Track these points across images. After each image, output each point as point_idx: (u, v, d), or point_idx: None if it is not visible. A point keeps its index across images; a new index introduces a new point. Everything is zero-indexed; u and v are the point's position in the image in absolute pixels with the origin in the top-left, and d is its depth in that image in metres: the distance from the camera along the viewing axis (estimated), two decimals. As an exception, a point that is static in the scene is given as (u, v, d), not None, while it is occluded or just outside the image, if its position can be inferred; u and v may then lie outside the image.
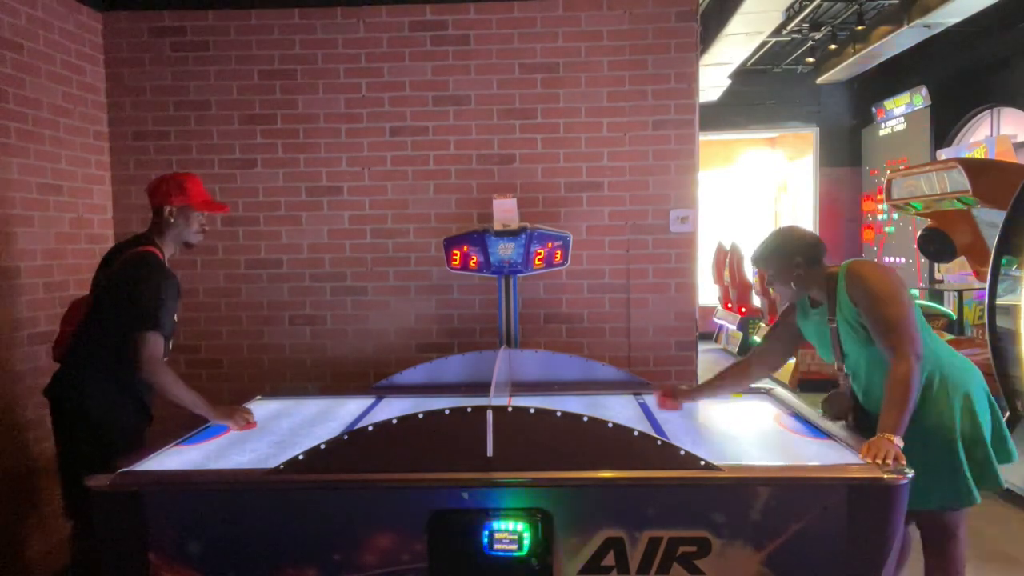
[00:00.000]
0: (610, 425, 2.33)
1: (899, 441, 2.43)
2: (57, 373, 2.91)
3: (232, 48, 4.50)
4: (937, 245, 6.00)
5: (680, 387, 3.20)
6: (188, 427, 2.95)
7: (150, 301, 2.76)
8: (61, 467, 2.90)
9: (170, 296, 2.84)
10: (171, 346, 3.01)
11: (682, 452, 2.31)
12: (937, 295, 8.82)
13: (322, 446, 2.34)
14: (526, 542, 2.27)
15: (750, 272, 9.99)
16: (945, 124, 9.13)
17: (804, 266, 2.74)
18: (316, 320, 4.57)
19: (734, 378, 3.15)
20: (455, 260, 4.02)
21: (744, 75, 10.24)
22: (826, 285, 2.74)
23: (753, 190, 12.82)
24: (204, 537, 2.33)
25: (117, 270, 2.88)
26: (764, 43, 9.23)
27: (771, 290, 2.87)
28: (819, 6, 8.43)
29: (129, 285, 2.79)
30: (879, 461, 2.34)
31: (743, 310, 10.17)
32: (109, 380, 2.82)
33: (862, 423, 2.79)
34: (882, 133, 10.24)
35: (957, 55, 8.73)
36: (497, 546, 2.28)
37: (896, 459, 2.35)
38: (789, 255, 2.75)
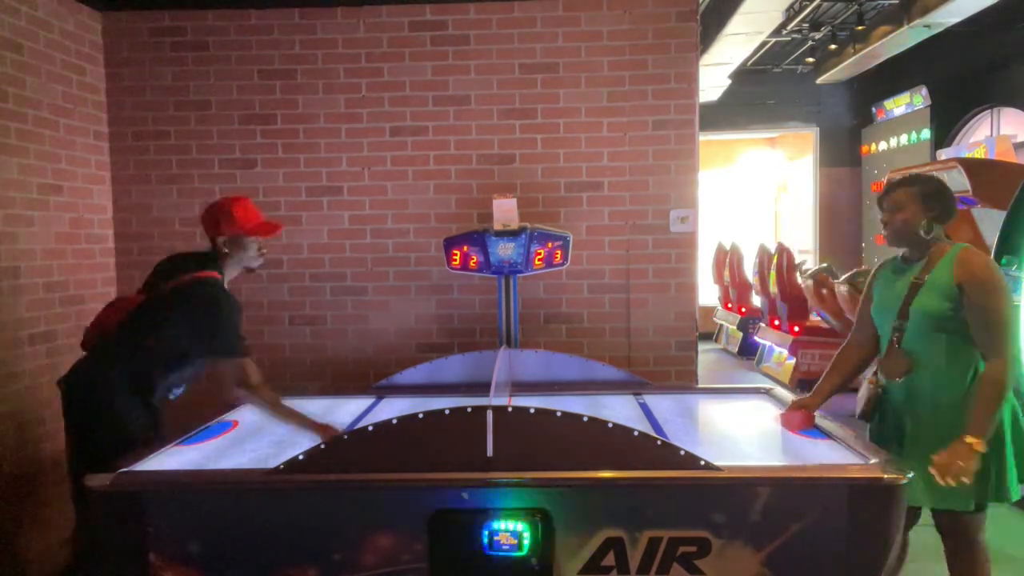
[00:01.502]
0: (610, 425, 2.33)
1: (982, 446, 2.43)
2: (77, 364, 2.88)
3: (232, 48, 4.50)
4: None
5: (803, 400, 2.94)
6: (188, 427, 2.95)
7: (236, 328, 2.81)
8: (72, 459, 2.87)
9: (241, 323, 2.88)
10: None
11: (682, 452, 2.31)
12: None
13: (322, 446, 2.35)
14: (526, 542, 2.27)
15: (750, 272, 9.99)
16: (945, 124, 9.13)
17: (935, 217, 2.68)
18: (316, 320, 4.57)
19: (842, 372, 2.95)
20: (455, 260, 4.02)
21: (744, 75, 10.24)
22: (930, 250, 2.68)
23: (753, 190, 12.82)
24: (204, 537, 2.33)
25: (180, 291, 2.85)
26: (764, 43, 9.23)
27: (885, 223, 2.75)
28: (819, 6, 8.43)
29: (204, 313, 2.79)
30: (949, 480, 2.39)
31: (743, 310, 10.17)
32: (123, 378, 2.80)
33: (876, 414, 2.79)
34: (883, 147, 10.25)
35: (957, 55, 8.73)
36: (497, 546, 2.28)
37: (961, 476, 2.39)
38: (937, 199, 2.69)
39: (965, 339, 2.61)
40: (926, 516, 2.90)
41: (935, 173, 5.44)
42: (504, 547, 2.27)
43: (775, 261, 8.63)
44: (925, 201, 2.69)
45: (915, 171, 2.88)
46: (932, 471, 2.47)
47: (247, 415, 3.25)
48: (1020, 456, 2.64)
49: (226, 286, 2.96)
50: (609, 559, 2.29)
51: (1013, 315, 2.60)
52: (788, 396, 3.33)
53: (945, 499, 2.60)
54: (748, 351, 9.85)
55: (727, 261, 10.61)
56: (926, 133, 9.31)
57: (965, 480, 2.43)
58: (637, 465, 2.30)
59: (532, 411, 2.34)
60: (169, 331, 2.82)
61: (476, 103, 4.48)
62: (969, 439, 2.45)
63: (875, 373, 2.84)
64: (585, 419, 2.34)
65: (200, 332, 2.80)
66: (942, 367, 2.62)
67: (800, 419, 2.84)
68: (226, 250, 2.93)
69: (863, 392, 2.85)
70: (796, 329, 8.21)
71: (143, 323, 2.84)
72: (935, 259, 2.67)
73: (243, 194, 4.49)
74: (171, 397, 2.98)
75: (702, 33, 4.98)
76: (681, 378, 4.46)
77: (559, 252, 4.02)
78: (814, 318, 8.28)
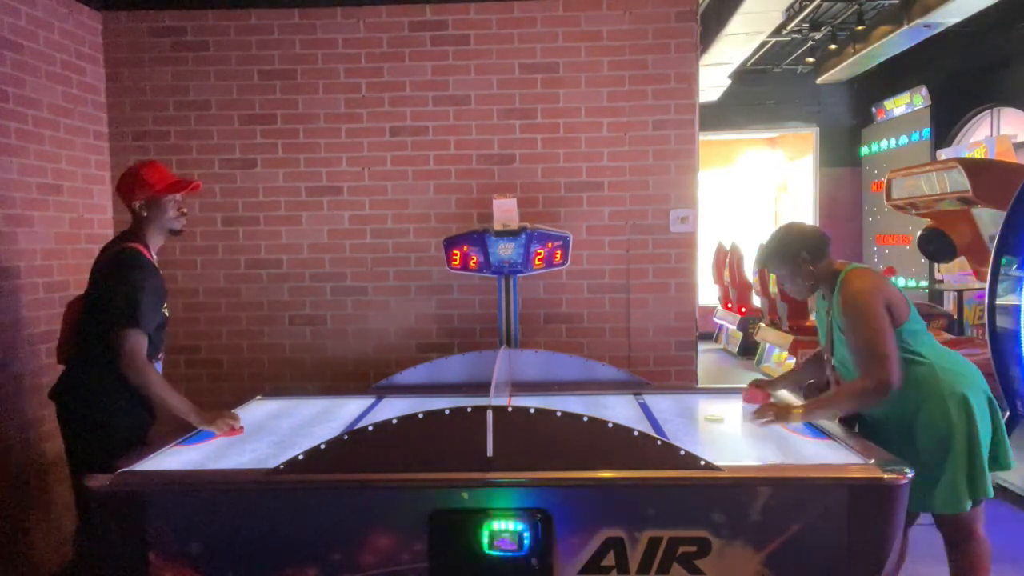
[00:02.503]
0: (610, 425, 2.33)
1: (796, 419, 2.72)
2: (62, 375, 2.91)
3: (232, 48, 4.50)
4: (937, 245, 6.00)
5: (762, 382, 3.23)
6: (188, 427, 2.95)
7: (127, 297, 2.72)
8: (70, 467, 2.89)
9: (149, 291, 2.77)
10: (162, 345, 2.99)
11: (682, 452, 2.31)
12: (937, 295, 8.82)
13: (322, 446, 2.34)
14: (526, 542, 2.27)
15: (750, 272, 9.99)
16: (945, 124, 9.12)
17: (811, 261, 2.76)
18: (316, 320, 4.58)
19: (805, 374, 3.29)
20: (455, 260, 4.02)
21: (744, 75, 10.24)
22: (831, 280, 2.76)
23: (753, 190, 12.82)
24: (204, 537, 2.33)
25: (100, 269, 2.88)
26: (764, 43, 9.23)
27: (784, 288, 2.94)
28: (819, 6, 8.43)
29: (109, 283, 2.77)
30: (755, 416, 2.76)
31: (743, 310, 10.17)
32: (110, 378, 2.79)
33: (850, 422, 2.88)
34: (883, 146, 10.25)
35: (957, 55, 8.73)
36: (497, 546, 2.28)
37: (763, 418, 2.74)
38: (795, 251, 2.76)
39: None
40: (927, 516, 2.90)
41: (926, 176, 5.44)
42: (504, 547, 2.27)
43: (775, 261, 8.61)
44: (789, 261, 2.78)
45: (763, 245, 2.94)
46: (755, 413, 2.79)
47: (247, 415, 3.25)
48: (994, 443, 2.69)
49: (153, 254, 2.92)
50: (609, 559, 2.29)
51: (878, 337, 2.57)
52: (788, 396, 3.32)
53: (938, 504, 2.62)
54: (748, 351, 9.85)
55: (727, 261, 10.61)
56: (926, 133, 9.31)
57: (764, 418, 2.75)
58: (637, 465, 2.30)
59: (532, 411, 2.34)
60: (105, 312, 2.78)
61: (476, 103, 4.48)
62: (795, 410, 2.76)
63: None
64: (585, 419, 2.34)
65: (93, 300, 2.79)
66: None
67: (761, 397, 3.10)
68: (144, 214, 2.89)
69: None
70: (796, 329, 8.21)
71: (92, 315, 2.82)
72: (831, 290, 2.78)
73: (243, 194, 4.53)
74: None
75: (702, 33, 4.98)
76: (681, 378, 4.46)
77: (559, 252, 4.02)
78: (814, 318, 8.27)
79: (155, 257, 2.94)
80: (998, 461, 2.70)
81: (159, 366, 2.96)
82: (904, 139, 9.82)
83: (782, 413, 2.75)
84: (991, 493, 2.66)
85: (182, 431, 2.90)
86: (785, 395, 3.33)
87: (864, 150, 10.86)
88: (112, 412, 2.80)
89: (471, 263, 4.00)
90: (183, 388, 4.43)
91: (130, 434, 2.81)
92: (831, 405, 2.75)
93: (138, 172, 2.91)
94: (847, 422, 2.90)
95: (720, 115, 10.54)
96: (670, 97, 4.42)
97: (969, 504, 2.63)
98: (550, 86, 4.45)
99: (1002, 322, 4.58)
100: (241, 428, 2.94)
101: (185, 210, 3.01)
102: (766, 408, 2.82)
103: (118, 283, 2.75)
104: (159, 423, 2.99)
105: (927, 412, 2.63)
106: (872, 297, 2.63)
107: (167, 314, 2.97)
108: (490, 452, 2.31)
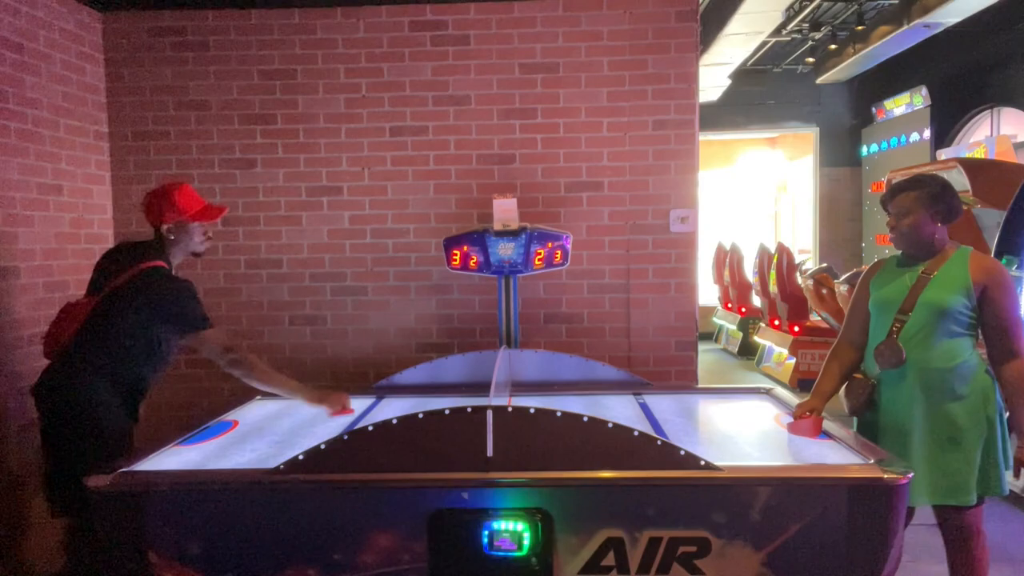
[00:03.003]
0: (610, 425, 2.33)
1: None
2: (47, 371, 2.90)
3: (232, 48, 4.50)
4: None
5: (808, 404, 2.87)
6: (188, 427, 2.95)
7: (190, 310, 2.88)
8: (48, 464, 2.89)
9: (195, 296, 2.93)
10: (177, 349, 3.03)
11: (682, 452, 2.31)
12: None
13: (322, 446, 2.34)
14: (526, 542, 2.27)
15: (750, 272, 9.99)
16: (945, 124, 9.12)
17: (941, 219, 2.73)
18: (316, 320, 4.58)
19: (843, 369, 2.95)
20: (455, 260, 4.02)
21: (744, 75, 10.24)
22: (934, 250, 2.73)
23: (753, 190, 12.82)
24: (204, 537, 2.33)
25: (130, 284, 2.88)
26: (764, 43, 9.23)
27: (890, 222, 2.79)
28: (819, 6, 8.43)
29: (163, 300, 2.86)
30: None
31: (743, 310, 10.17)
32: (102, 381, 2.83)
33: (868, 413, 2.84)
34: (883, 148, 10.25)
35: (957, 55, 8.73)
36: (497, 546, 2.28)
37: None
38: (946, 200, 2.72)
39: (964, 336, 2.67)
40: (927, 515, 2.90)
41: (937, 172, 5.45)
42: (504, 547, 2.28)
43: (775, 261, 8.63)
44: (931, 204, 2.72)
45: (918, 173, 2.90)
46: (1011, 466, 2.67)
47: (247, 415, 3.25)
48: (1005, 449, 2.71)
49: (174, 271, 3.02)
50: (609, 559, 2.29)
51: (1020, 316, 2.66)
52: (788, 396, 3.33)
53: (948, 495, 2.63)
54: (748, 351, 9.85)
55: (727, 261, 10.61)
56: (926, 133, 9.31)
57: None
58: (637, 465, 2.30)
59: (532, 411, 2.34)
60: (136, 325, 2.86)
61: (476, 103, 4.48)
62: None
63: (861, 369, 2.90)
64: (585, 419, 2.34)
65: (167, 317, 2.87)
66: (941, 362, 2.66)
67: (812, 425, 2.76)
68: (171, 237, 2.97)
69: (853, 388, 2.87)
70: (796, 329, 8.21)
71: (108, 325, 2.85)
72: (943, 257, 2.72)
73: (243, 194, 4.53)
74: (155, 382, 3.03)
75: (702, 33, 4.98)
76: (681, 378, 4.46)
77: (559, 252, 4.02)
78: (814, 318, 8.28)
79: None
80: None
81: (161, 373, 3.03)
82: (904, 139, 9.82)
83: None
84: (1005, 490, 2.70)
85: (182, 431, 2.90)
86: (788, 395, 3.33)
87: (864, 150, 10.86)
88: (101, 412, 2.82)
89: (471, 263, 4.00)
90: (183, 388, 4.47)
91: (116, 435, 2.84)
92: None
93: (170, 195, 2.96)
94: (867, 404, 2.83)
95: (720, 115, 10.54)
96: (670, 97, 4.43)
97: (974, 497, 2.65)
98: (550, 86, 4.45)
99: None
100: (351, 409, 3.06)
101: (211, 235, 3.09)
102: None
103: (184, 294, 2.88)
104: (160, 424, 3.00)
105: (972, 402, 2.66)
106: (1008, 275, 2.70)
107: None
108: (490, 452, 2.31)
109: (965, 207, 5.51)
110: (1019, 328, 2.63)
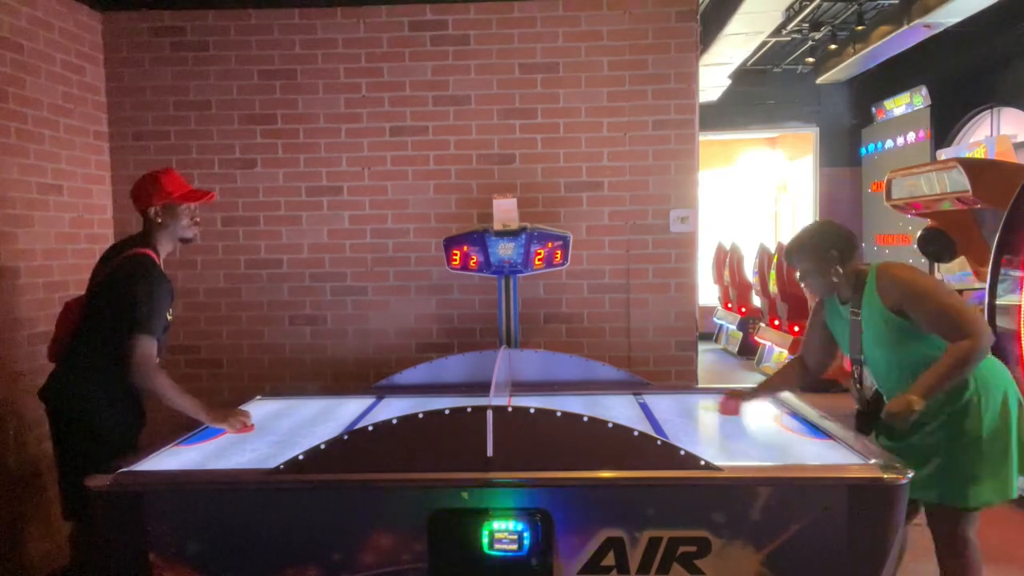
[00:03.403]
0: (610, 425, 2.33)
1: (920, 404, 2.49)
2: (53, 375, 2.91)
3: (232, 48, 4.50)
4: (937, 245, 5.99)
5: (738, 391, 3.17)
6: (188, 427, 2.95)
7: (141, 305, 2.74)
8: (59, 469, 2.90)
9: (160, 299, 2.81)
10: (164, 349, 3.01)
11: (682, 452, 2.31)
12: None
13: (322, 446, 2.34)
14: (526, 542, 2.27)
15: (750, 272, 9.99)
16: (945, 124, 9.12)
17: (839, 260, 2.75)
18: (316, 320, 4.58)
19: (783, 378, 3.20)
20: (455, 260, 4.02)
21: (744, 75, 10.23)
22: (855, 281, 2.76)
23: (753, 190, 12.82)
24: (204, 537, 2.33)
25: (111, 274, 2.88)
26: (764, 43, 9.22)
27: (803, 286, 2.92)
28: (819, 6, 8.42)
29: (121, 289, 2.79)
30: (889, 411, 2.53)
31: (743, 310, 10.17)
32: (105, 382, 2.81)
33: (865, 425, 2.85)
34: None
35: (957, 55, 8.73)
36: (497, 546, 2.28)
37: (901, 416, 2.47)
38: (826, 248, 2.75)
39: (920, 344, 2.66)
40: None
41: (926, 176, 5.45)
42: (504, 547, 2.28)
43: (775, 261, 8.63)
44: (819, 260, 2.76)
45: (792, 238, 2.92)
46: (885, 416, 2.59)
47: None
48: (1022, 454, 2.67)
49: (161, 260, 2.95)
50: (609, 559, 2.29)
51: (953, 300, 2.61)
52: (788, 396, 3.33)
53: (953, 496, 2.62)
54: (748, 351, 9.85)
55: (727, 261, 10.61)
56: (926, 133, 9.31)
57: (906, 418, 2.52)
58: (637, 465, 2.30)
59: (532, 411, 2.34)
60: (116, 318, 2.80)
61: (476, 103, 4.48)
62: (911, 396, 2.51)
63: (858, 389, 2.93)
64: (585, 419, 2.34)
65: (113, 304, 2.79)
66: (921, 367, 2.65)
67: (732, 408, 3.04)
68: (159, 220, 2.92)
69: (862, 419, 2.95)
70: (796, 329, 8.21)
71: (97, 321, 2.84)
72: (860, 289, 2.74)
73: (243, 194, 4.53)
74: None
75: (702, 33, 4.98)
76: (681, 378, 4.46)
77: (559, 252, 4.02)
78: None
79: (162, 263, 2.96)
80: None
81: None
82: (904, 139, 9.82)
83: (905, 409, 2.52)
84: (1014, 494, 2.66)
85: (182, 431, 2.90)
86: (788, 395, 3.33)
87: (864, 150, 10.86)
88: (103, 414, 2.81)
89: (471, 263, 4.00)
90: (183, 388, 4.46)
91: (121, 438, 2.82)
92: (947, 376, 2.54)
93: (156, 178, 2.93)
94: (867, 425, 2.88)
95: (720, 115, 10.53)
96: (670, 97, 4.42)
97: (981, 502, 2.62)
98: (550, 86, 4.45)
99: (1002, 322, 4.58)
100: (252, 426, 2.97)
101: (198, 219, 3.04)
102: (903, 406, 2.57)
103: (130, 289, 2.77)
104: (159, 424, 2.99)
105: (984, 403, 2.63)
106: (921, 274, 2.72)
107: (171, 319, 2.98)
108: (490, 452, 2.31)
109: (964, 208, 5.52)
110: (955, 313, 2.57)
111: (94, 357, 2.83)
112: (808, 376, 3.11)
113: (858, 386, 2.90)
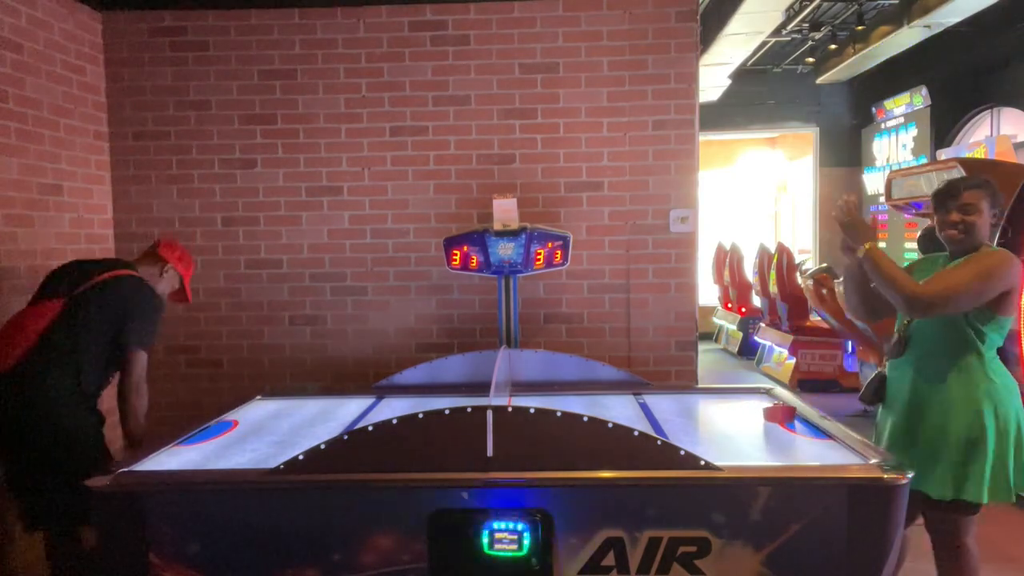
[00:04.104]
0: (610, 425, 2.33)
1: (860, 251, 2.62)
2: (10, 379, 2.83)
3: (232, 48, 4.50)
4: (937, 245, 5.99)
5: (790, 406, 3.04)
6: (188, 427, 2.95)
7: (149, 323, 3.03)
8: (12, 480, 2.88)
9: (159, 320, 3.13)
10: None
11: (682, 452, 2.30)
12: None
13: (322, 446, 2.34)
14: (526, 542, 2.27)
15: (750, 272, 9.99)
16: (945, 124, 9.12)
17: (995, 220, 2.75)
18: (316, 320, 4.58)
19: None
20: (455, 260, 4.02)
21: (744, 75, 10.24)
22: (978, 246, 2.73)
23: (753, 190, 12.82)
24: (204, 537, 2.32)
25: (106, 288, 2.97)
26: (764, 43, 9.23)
27: (954, 217, 2.74)
28: (819, 6, 8.43)
29: (128, 305, 2.98)
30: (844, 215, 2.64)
31: (743, 310, 10.17)
32: (67, 385, 2.86)
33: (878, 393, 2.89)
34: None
35: (957, 55, 8.73)
36: (497, 546, 2.28)
37: (848, 219, 2.62)
38: (998, 204, 2.75)
39: (970, 337, 2.65)
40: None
41: (926, 176, 5.47)
42: (504, 547, 2.27)
43: (775, 261, 8.63)
44: (993, 205, 2.74)
45: (978, 177, 2.86)
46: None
47: (247, 415, 3.25)
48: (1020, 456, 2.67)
49: None
50: (609, 559, 2.29)
51: (967, 285, 2.57)
52: (788, 396, 3.33)
53: (959, 490, 2.62)
54: (748, 351, 9.85)
55: (727, 261, 10.61)
56: (926, 133, 9.31)
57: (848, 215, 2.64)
58: (637, 465, 2.30)
59: (532, 411, 2.34)
60: (103, 322, 2.94)
61: (476, 103, 4.48)
62: (870, 233, 2.64)
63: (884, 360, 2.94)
64: (585, 419, 2.34)
65: (126, 316, 2.96)
66: (944, 360, 2.68)
67: (785, 412, 2.96)
68: (164, 275, 3.25)
69: (871, 380, 2.96)
70: (796, 329, 8.21)
71: (79, 328, 2.89)
72: (977, 250, 2.71)
73: (243, 194, 4.54)
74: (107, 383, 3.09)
75: (702, 33, 4.98)
76: (681, 378, 4.46)
77: (559, 252, 4.02)
78: (814, 318, 8.28)
79: None
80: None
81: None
82: (904, 139, 9.82)
83: (861, 225, 2.62)
84: (1013, 497, 2.67)
85: (182, 431, 2.90)
86: (788, 395, 3.33)
87: (864, 150, 10.86)
88: (74, 418, 2.85)
89: (471, 263, 4.00)
90: (183, 388, 4.48)
91: (86, 440, 2.86)
92: (891, 272, 2.60)
93: (188, 260, 3.36)
94: (876, 392, 2.91)
95: (720, 115, 10.54)
96: (670, 97, 4.42)
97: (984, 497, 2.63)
98: (550, 86, 4.45)
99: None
100: None
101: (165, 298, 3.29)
102: (850, 207, 2.66)
103: (140, 307, 3.02)
104: (158, 423, 3.00)
105: (992, 412, 2.63)
106: (1004, 267, 2.61)
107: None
108: (490, 452, 2.31)
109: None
110: (949, 279, 2.59)
111: (60, 361, 2.84)
112: (870, 302, 2.88)
113: (900, 347, 2.81)
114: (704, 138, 5.16)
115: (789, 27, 8.79)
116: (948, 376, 2.67)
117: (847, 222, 2.68)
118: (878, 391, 2.90)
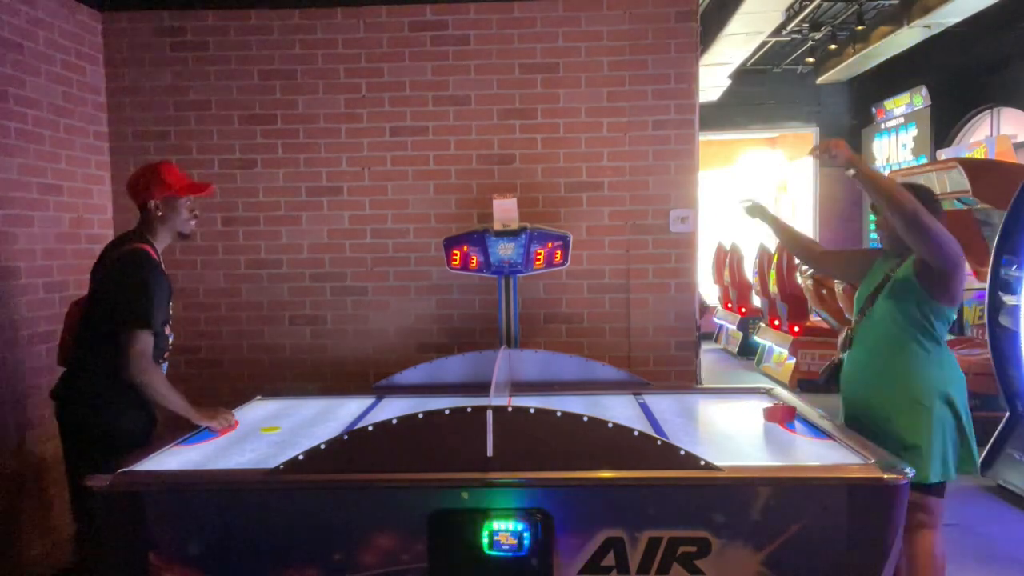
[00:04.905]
0: (610, 425, 2.33)
1: (850, 170, 2.68)
2: (64, 376, 2.90)
3: (232, 48, 4.50)
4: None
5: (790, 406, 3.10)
6: (188, 427, 2.95)
7: (138, 298, 2.72)
8: (68, 470, 2.88)
9: (158, 292, 2.78)
10: (170, 345, 3.00)
11: (682, 452, 2.31)
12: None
13: (322, 446, 2.34)
14: (526, 542, 2.27)
15: (750, 272, 9.99)
16: (945, 124, 9.13)
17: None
18: (316, 320, 4.57)
19: (802, 239, 3.50)
20: (455, 260, 4.02)
21: (744, 75, 10.25)
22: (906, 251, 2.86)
23: (753, 190, 12.82)
24: (204, 537, 2.32)
25: (108, 270, 2.87)
26: (764, 43, 9.24)
27: (879, 222, 3.07)
28: (819, 6, 8.44)
29: (118, 284, 2.78)
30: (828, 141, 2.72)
31: (743, 310, 10.18)
32: (112, 383, 2.78)
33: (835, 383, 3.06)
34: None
35: (957, 55, 8.73)
36: (497, 546, 2.28)
37: (833, 148, 2.67)
38: (928, 202, 2.82)
39: (916, 333, 2.79)
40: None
41: (926, 176, 5.48)
42: (504, 547, 2.27)
43: (775, 261, 8.63)
44: (935, 212, 2.81)
45: (907, 181, 3.03)
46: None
47: (247, 415, 3.25)
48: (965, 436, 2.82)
49: (159, 255, 2.92)
50: (609, 559, 2.29)
51: (953, 243, 2.70)
52: (788, 396, 3.33)
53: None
54: (748, 351, 9.85)
55: (727, 261, 10.61)
56: (926, 133, 9.32)
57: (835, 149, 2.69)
58: (637, 465, 2.30)
59: (532, 411, 2.34)
60: (102, 314, 2.80)
61: (476, 103, 4.48)
62: (852, 155, 2.69)
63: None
64: (585, 419, 2.34)
65: (110, 299, 2.77)
66: (886, 353, 2.83)
67: (785, 412, 2.99)
68: (159, 213, 2.87)
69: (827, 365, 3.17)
70: (796, 329, 8.21)
71: (97, 317, 2.82)
72: (907, 253, 2.85)
73: (243, 194, 4.53)
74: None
75: (702, 33, 4.98)
76: (681, 378, 4.45)
77: (559, 252, 4.02)
78: (814, 318, 8.29)
79: (161, 259, 2.94)
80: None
81: (164, 367, 2.96)
82: (904, 139, 9.82)
83: (841, 149, 2.69)
84: (953, 476, 2.80)
85: (182, 431, 2.90)
86: (788, 395, 3.33)
87: (864, 150, 10.86)
88: (116, 417, 2.80)
89: (471, 263, 4.00)
90: (183, 388, 4.46)
91: (133, 439, 2.80)
92: (886, 185, 2.71)
93: (156, 170, 2.89)
94: (831, 378, 3.08)
95: (720, 115, 10.55)
96: (670, 97, 4.42)
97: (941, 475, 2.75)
98: (550, 86, 4.45)
99: (1002, 322, 4.59)
100: (236, 423, 3.00)
101: (197, 213, 3.00)
102: (835, 145, 2.73)
103: (128, 283, 2.75)
104: (159, 424, 2.99)
105: (918, 389, 2.77)
106: (956, 244, 2.73)
107: (171, 313, 2.97)
108: (490, 452, 2.31)
109: (966, 208, 5.52)
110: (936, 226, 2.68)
111: (99, 357, 2.80)
112: (810, 254, 3.40)
113: (846, 344, 3.02)
114: (704, 138, 5.15)
115: (789, 27, 8.80)
116: (892, 371, 2.81)
117: (835, 152, 2.73)
118: (829, 380, 3.08)
